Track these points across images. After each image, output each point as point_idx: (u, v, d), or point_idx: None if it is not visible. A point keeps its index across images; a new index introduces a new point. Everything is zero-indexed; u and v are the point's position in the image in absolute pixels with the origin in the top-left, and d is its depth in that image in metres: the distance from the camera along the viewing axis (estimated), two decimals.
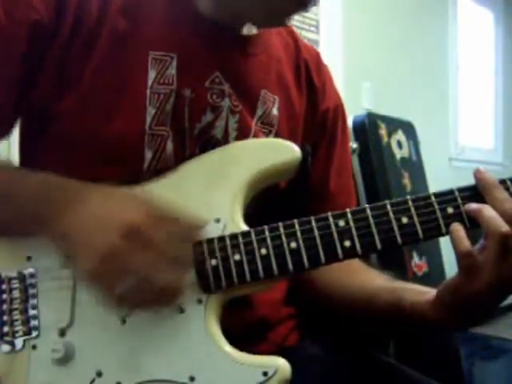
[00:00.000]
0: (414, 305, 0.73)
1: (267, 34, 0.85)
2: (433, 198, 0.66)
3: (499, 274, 0.63)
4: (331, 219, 0.67)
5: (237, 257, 0.67)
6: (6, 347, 0.69)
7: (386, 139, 2.59)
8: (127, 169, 0.73)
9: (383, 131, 2.59)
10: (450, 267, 2.60)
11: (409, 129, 2.85)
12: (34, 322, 0.69)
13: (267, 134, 0.82)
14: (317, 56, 0.93)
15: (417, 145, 2.88)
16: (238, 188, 0.71)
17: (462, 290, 0.66)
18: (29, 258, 0.71)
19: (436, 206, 0.66)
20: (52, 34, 0.71)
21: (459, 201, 0.66)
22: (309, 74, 0.89)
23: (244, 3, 0.74)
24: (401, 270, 2.35)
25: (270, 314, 0.84)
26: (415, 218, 0.66)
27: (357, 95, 2.88)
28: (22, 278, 0.71)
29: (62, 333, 0.69)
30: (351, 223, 0.66)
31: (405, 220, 0.66)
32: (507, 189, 0.66)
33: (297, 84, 0.88)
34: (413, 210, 0.66)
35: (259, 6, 0.73)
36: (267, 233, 0.67)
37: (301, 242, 0.66)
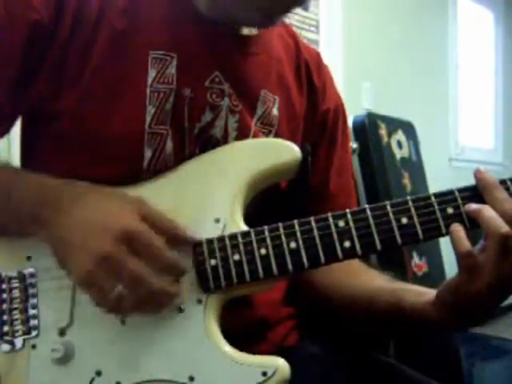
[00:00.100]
0: (414, 305, 0.73)
1: (268, 35, 0.85)
2: (433, 199, 0.66)
3: (499, 274, 0.63)
4: (331, 219, 0.67)
5: (236, 257, 0.67)
6: (6, 346, 0.69)
7: (385, 139, 2.59)
8: (127, 168, 0.73)
9: (383, 131, 2.59)
10: (450, 267, 2.60)
11: (409, 129, 2.85)
12: (33, 322, 0.69)
13: (267, 134, 0.82)
14: (317, 56, 0.93)
15: (417, 145, 2.88)
16: (237, 188, 0.71)
17: (463, 290, 0.66)
18: (29, 258, 0.71)
19: (436, 207, 0.66)
20: (52, 34, 0.71)
21: (459, 201, 0.66)
22: (309, 74, 0.89)
23: (234, 3, 0.74)
24: (401, 270, 2.35)
25: (269, 313, 0.84)
26: (415, 219, 0.66)
27: (357, 95, 2.88)
28: (21, 277, 0.71)
29: (62, 332, 0.69)
30: (351, 223, 0.66)
31: (405, 220, 0.66)
32: (507, 189, 0.66)
33: (297, 84, 0.88)
34: (413, 210, 0.66)
35: (249, 6, 0.73)
36: (267, 233, 0.67)
37: (300, 242, 0.66)
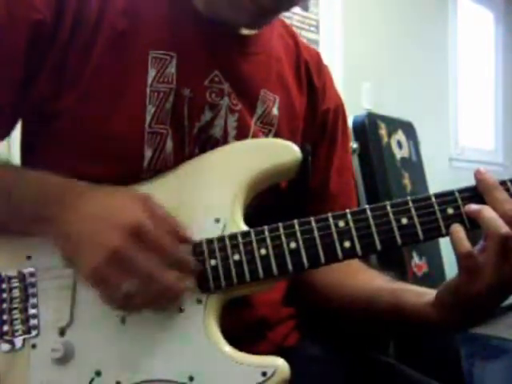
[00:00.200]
0: (413, 306, 0.73)
1: (267, 34, 0.85)
2: (433, 199, 0.66)
3: (499, 275, 0.63)
4: (331, 220, 0.67)
5: (236, 257, 0.67)
6: (6, 346, 0.69)
7: (386, 139, 2.60)
8: (127, 167, 0.73)
9: (383, 131, 2.59)
10: (450, 267, 2.60)
11: (409, 129, 2.85)
12: (33, 321, 0.69)
13: (267, 134, 0.82)
14: (317, 57, 0.93)
15: (417, 145, 2.88)
16: (238, 188, 0.71)
17: (462, 290, 0.66)
18: (29, 258, 0.71)
19: (436, 207, 0.66)
20: (52, 35, 0.71)
21: (459, 202, 0.66)
22: (309, 74, 0.89)
23: (224, 3, 0.74)
24: (401, 271, 2.35)
25: (269, 314, 0.84)
26: (415, 219, 0.66)
27: (357, 95, 2.88)
28: (21, 277, 0.71)
29: (62, 332, 0.69)
30: (351, 224, 0.66)
31: (405, 221, 0.66)
32: (507, 190, 0.66)
33: (297, 84, 0.88)
34: (413, 210, 0.66)
35: (236, 6, 0.73)
36: (267, 233, 0.67)
37: (301, 242, 0.66)
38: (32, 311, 0.70)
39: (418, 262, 2.52)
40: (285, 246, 0.66)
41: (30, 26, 0.69)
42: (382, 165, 2.50)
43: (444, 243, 2.30)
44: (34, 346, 0.69)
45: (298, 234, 0.67)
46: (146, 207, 0.65)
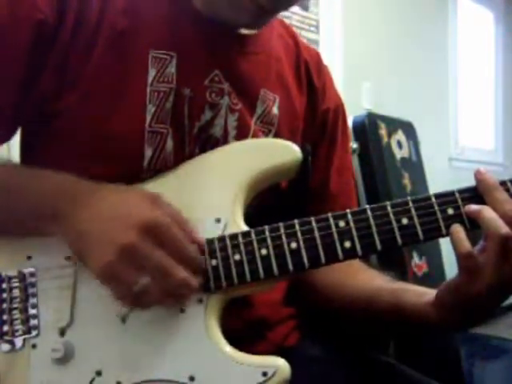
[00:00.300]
0: (414, 306, 0.73)
1: (267, 34, 0.85)
2: (433, 199, 0.66)
3: (499, 275, 0.63)
4: (332, 220, 0.67)
5: (237, 257, 0.67)
6: (6, 346, 0.69)
7: (386, 139, 2.60)
8: (127, 167, 0.73)
9: (383, 131, 2.59)
10: (450, 267, 2.60)
11: (409, 129, 2.85)
12: (33, 321, 0.69)
13: (267, 134, 0.82)
14: (317, 57, 0.93)
15: (417, 145, 2.88)
16: (238, 188, 0.71)
17: (463, 290, 0.66)
18: (29, 258, 0.71)
19: (436, 207, 0.66)
20: (54, 34, 0.71)
21: (459, 202, 0.66)
22: (309, 74, 0.89)
23: (225, 4, 0.74)
24: (401, 270, 2.35)
25: (269, 314, 0.84)
26: (415, 219, 0.66)
27: (357, 95, 2.88)
28: (21, 277, 0.71)
29: (62, 332, 0.69)
30: (351, 224, 0.66)
31: (405, 221, 0.66)
32: (507, 190, 0.66)
33: (297, 84, 0.88)
34: (413, 211, 0.66)
35: (235, 6, 0.73)
36: (267, 233, 0.67)
37: (301, 242, 0.66)
38: (32, 311, 0.70)
39: (418, 262, 2.52)
40: (285, 246, 0.66)
41: (32, 25, 0.69)
42: (381, 165, 2.50)
43: (444, 243, 2.30)
44: (34, 346, 0.69)
45: (299, 234, 0.67)
46: (157, 205, 0.65)
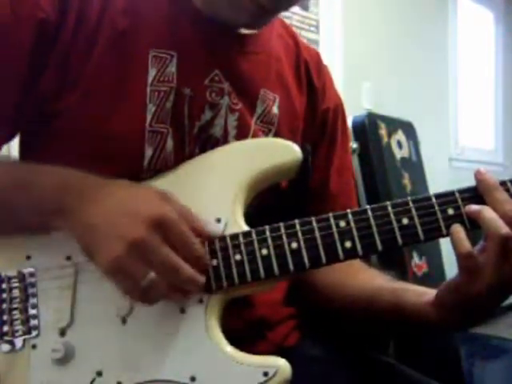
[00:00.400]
0: (414, 305, 0.73)
1: (267, 34, 0.85)
2: (433, 200, 0.66)
3: (499, 275, 0.63)
4: (332, 220, 0.67)
5: (238, 257, 0.67)
6: (6, 346, 0.69)
7: (386, 139, 2.60)
8: (127, 167, 0.73)
9: (383, 131, 2.59)
10: (450, 267, 2.60)
11: (409, 129, 2.85)
12: (33, 322, 0.69)
13: (267, 133, 0.82)
14: (317, 57, 0.93)
15: (417, 145, 2.88)
16: (238, 188, 0.71)
17: (463, 290, 0.66)
18: (28, 258, 0.71)
19: (437, 208, 0.66)
20: (56, 34, 0.71)
21: (460, 202, 0.66)
22: (309, 74, 0.89)
23: (225, 4, 0.74)
24: (401, 270, 2.35)
25: (269, 313, 0.84)
26: (416, 219, 0.66)
27: (357, 95, 2.88)
28: (21, 277, 0.71)
29: (62, 332, 0.69)
30: (352, 224, 0.66)
31: (405, 221, 0.66)
32: (507, 190, 0.66)
33: (297, 84, 0.88)
34: (413, 211, 0.66)
35: (235, 6, 0.73)
36: (268, 233, 0.67)
37: (302, 242, 0.66)
38: (32, 311, 0.70)
39: (418, 262, 2.52)
40: (286, 246, 0.66)
41: (34, 24, 0.69)
42: (381, 165, 2.50)
43: (444, 243, 2.30)
44: (34, 347, 0.69)
45: (300, 234, 0.67)
46: (166, 202, 0.65)
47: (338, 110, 0.92)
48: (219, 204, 0.70)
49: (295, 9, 2.58)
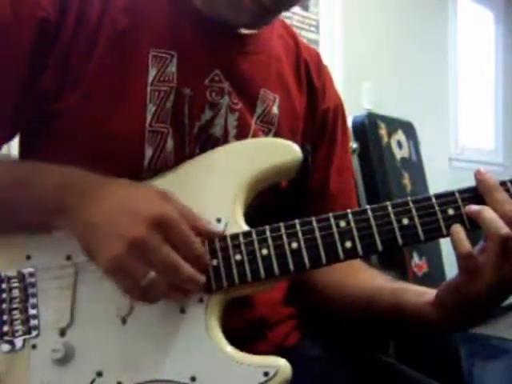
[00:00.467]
0: (414, 305, 0.73)
1: (267, 34, 0.85)
2: (433, 200, 0.66)
3: (499, 275, 0.63)
4: (332, 220, 0.67)
5: (238, 257, 0.67)
6: (6, 346, 0.69)
7: (386, 139, 2.60)
8: (127, 166, 0.73)
9: (383, 131, 2.60)
10: (450, 267, 2.60)
11: (409, 129, 2.85)
12: (33, 322, 0.69)
13: (267, 133, 0.82)
14: (317, 57, 0.93)
15: (417, 145, 2.88)
16: (238, 188, 0.71)
17: (463, 291, 0.66)
18: (28, 258, 0.71)
19: (437, 208, 0.66)
20: (56, 33, 0.71)
21: (460, 202, 0.66)
22: (309, 74, 0.89)
23: (225, 4, 0.74)
24: (401, 270, 2.35)
25: (269, 313, 0.84)
26: (416, 220, 0.66)
27: (357, 95, 2.88)
28: (21, 277, 0.71)
29: (62, 332, 0.69)
30: (352, 224, 0.66)
31: (406, 221, 0.66)
32: (507, 190, 0.66)
33: (297, 84, 0.88)
34: (414, 211, 0.66)
35: (236, 6, 0.73)
36: (268, 233, 0.67)
37: (302, 242, 0.66)
38: (32, 311, 0.70)
39: (418, 262, 2.52)
40: (286, 246, 0.66)
41: (35, 24, 0.69)
42: (381, 165, 2.50)
43: (444, 243, 2.30)
44: (34, 347, 0.69)
45: (300, 234, 0.67)
46: (167, 201, 0.65)
47: (338, 110, 0.92)
48: (219, 204, 0.70)
49: (295, 9, 2.58)
